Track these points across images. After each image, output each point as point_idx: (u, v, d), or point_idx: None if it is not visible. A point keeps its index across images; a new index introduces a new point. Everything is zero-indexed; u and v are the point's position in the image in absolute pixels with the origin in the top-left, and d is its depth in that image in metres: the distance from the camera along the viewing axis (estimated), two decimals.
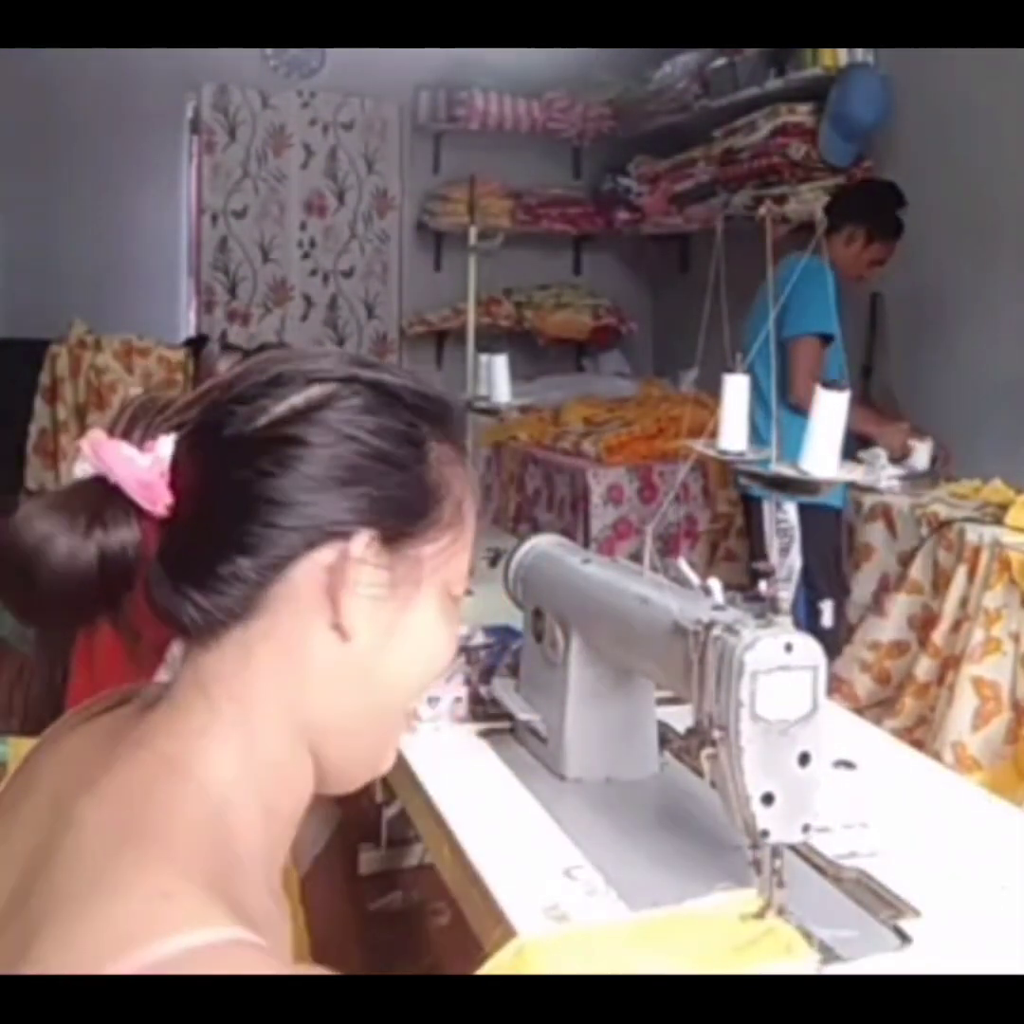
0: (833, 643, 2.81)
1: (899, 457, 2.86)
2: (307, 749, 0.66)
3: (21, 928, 0.53)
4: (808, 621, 2.79)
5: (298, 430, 0.62)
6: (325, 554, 0.62)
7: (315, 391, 0.64)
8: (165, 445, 0.63)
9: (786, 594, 2.65)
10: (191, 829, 0.57)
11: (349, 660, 0.64)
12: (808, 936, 0.82)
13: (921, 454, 2.90)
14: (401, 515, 0.64)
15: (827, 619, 2.85)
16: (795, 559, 2.73)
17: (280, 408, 0.63)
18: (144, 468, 0.62)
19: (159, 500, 0.63)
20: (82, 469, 0.63)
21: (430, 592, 0.66)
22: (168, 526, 0.63)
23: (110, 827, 0.57)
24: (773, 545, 2.74)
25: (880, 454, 2.71)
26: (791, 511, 2.72)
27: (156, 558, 0.63)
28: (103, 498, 0.62)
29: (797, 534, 2.75)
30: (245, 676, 0.63)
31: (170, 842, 0.56)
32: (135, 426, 0.65)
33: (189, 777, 0.60)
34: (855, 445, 2.60)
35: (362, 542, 0.62)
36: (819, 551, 2.82)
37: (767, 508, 2.84)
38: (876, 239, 3.00)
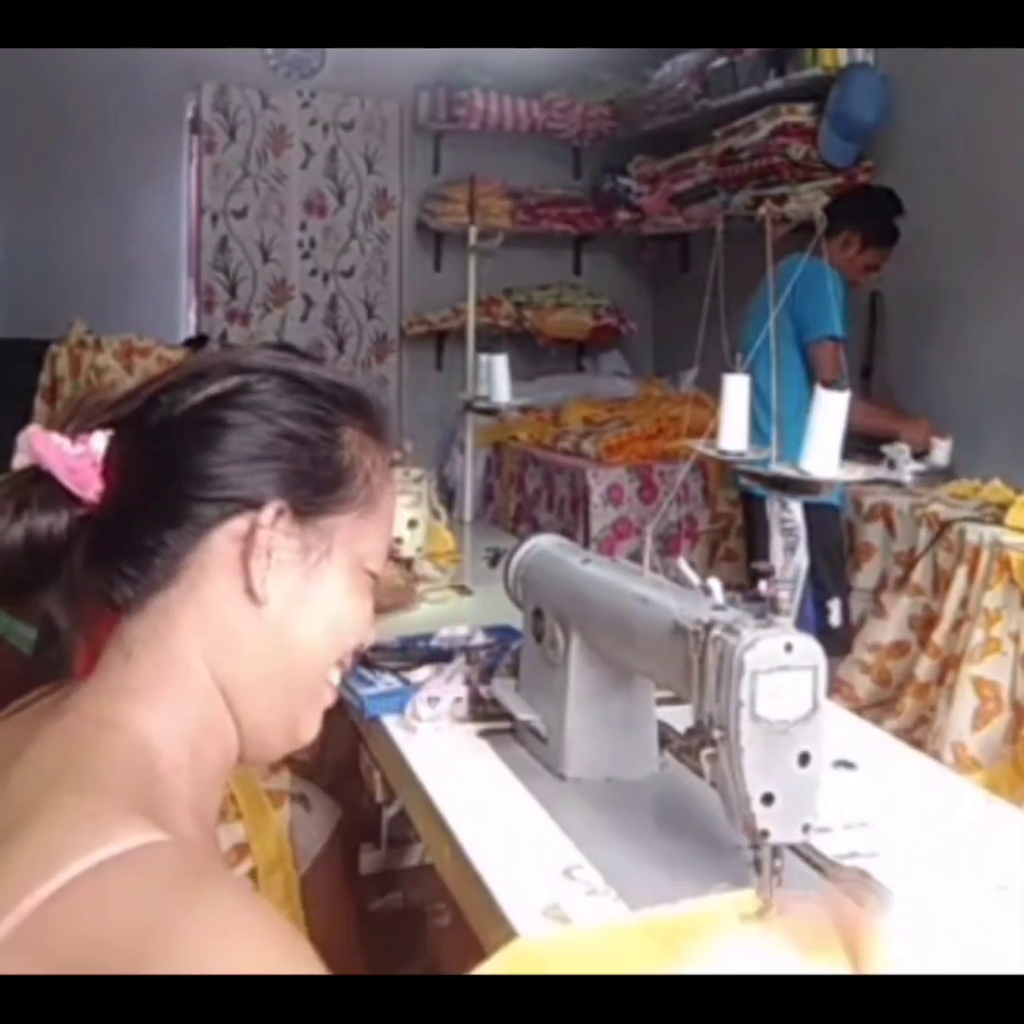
0: (841, 641, 2.81)
1: (919, 453, 2.88)
2: (226, 707, 0.70)
3: None
4: (817, 621, 2.79)
5: (216, 413, 0.69)
6: (239, 524, 0.68)
7: (232, 380, 0.70)
8: (99, 439, 0.69)
9: (786, 594, 2.64)
10: (114, 762, 0.61)
11: (262, 624, 0.69)
12: None
13: (941, 451, 2.95)
14: (311, 488, 0.70)
15: (835, 618, 2.85)
16: (802, 558, 2.74)
17: (199, 396, 0.69)
18: (73, 455, 0.68)
19: (89, 485, 0.68)
20: (20, 460, 0.69)
21: (341, 562, 0.72)
22: (100, 511, 0.69)
23: (39, 771, 0.60)
24: (777, 544, 2.74)
25: (904, 449, 2.72)
26: (797, 510, 2.72)
27: (88, 541, 0.68)
28: (33, 484, 0.68)
29: (803, 533, 2.75)
30: (168, 640, 0.68)
31: (95, 773, 0.59)
32: (70, 420, 0.71)
33: (114, 726, 0.64)
34: (859, 442, 2.59)
35: (272, 512, 0.68)
36: (825, 549, 2.82)
37: (771, 507, 2.83)
38: (871, 245, 3.02)
